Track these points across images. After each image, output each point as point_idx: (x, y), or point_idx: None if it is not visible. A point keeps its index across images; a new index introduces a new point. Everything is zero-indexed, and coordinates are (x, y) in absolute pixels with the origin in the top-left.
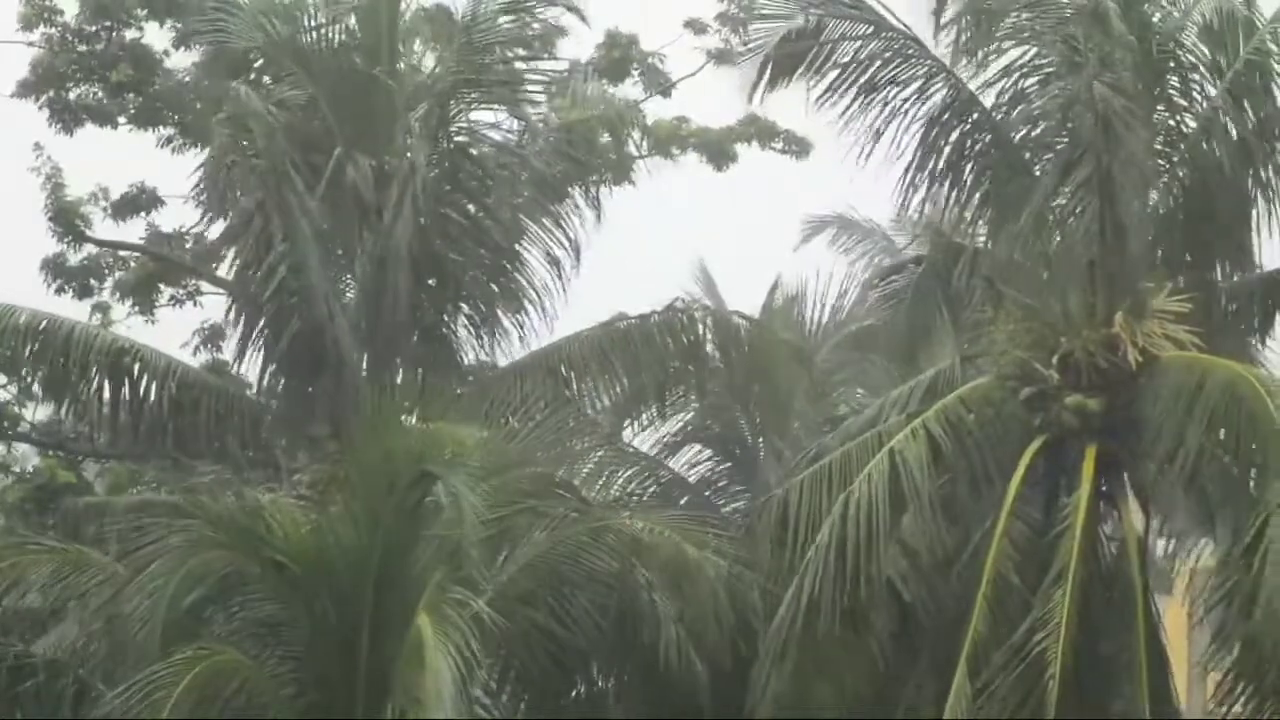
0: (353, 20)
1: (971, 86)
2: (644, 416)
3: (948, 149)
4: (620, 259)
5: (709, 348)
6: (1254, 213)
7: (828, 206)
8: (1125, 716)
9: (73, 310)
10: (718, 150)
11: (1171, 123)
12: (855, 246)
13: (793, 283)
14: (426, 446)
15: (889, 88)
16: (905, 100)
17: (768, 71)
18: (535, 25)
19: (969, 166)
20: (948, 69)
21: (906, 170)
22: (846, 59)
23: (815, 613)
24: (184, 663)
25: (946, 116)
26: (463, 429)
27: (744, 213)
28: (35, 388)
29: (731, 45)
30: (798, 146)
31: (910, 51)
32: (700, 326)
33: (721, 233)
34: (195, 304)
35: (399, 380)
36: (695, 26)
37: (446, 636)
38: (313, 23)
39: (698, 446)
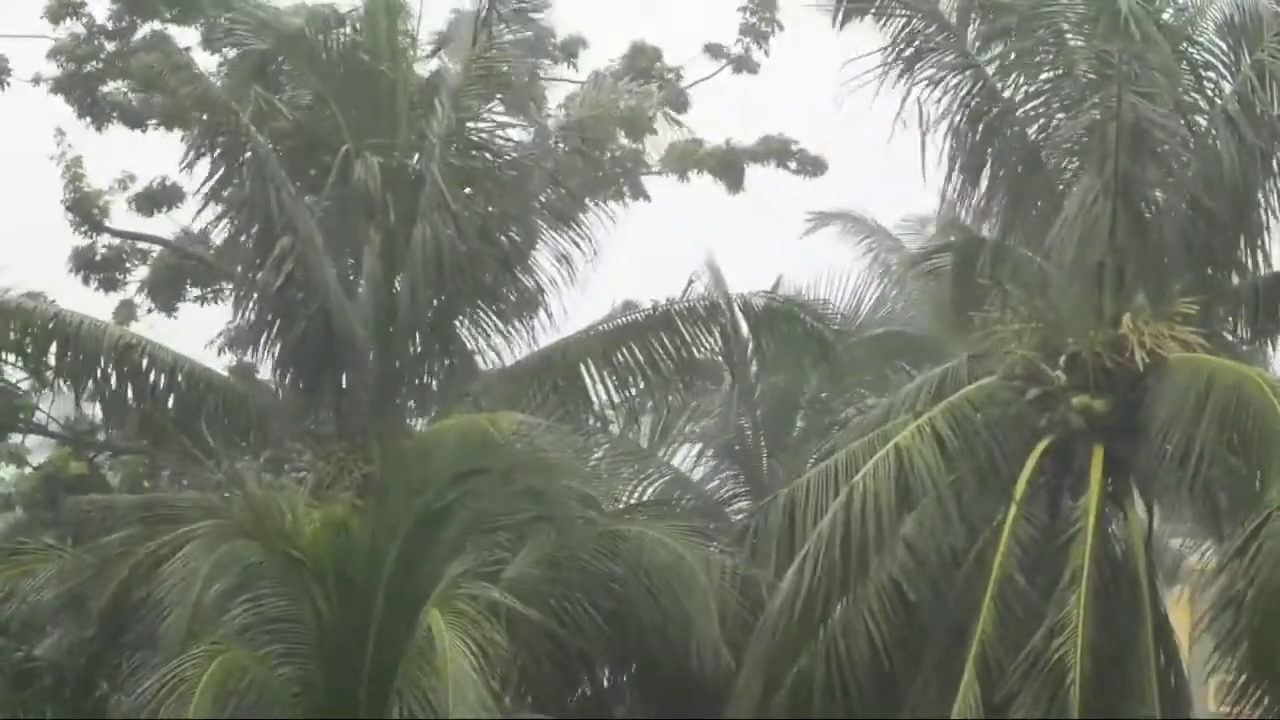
0: (361, 12)
1: (996, 81)
2: (664, 410)
3: (971, 142)
4: (618, 251)
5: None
6: (1266, 214)
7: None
8: (1139, 718)
9: (100, 303)
10: (731, 171)
11: (1183, 122)
12: (861, 243)
13: (793, 286)
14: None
15: (925, 73)
16: (936, 89)
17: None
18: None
19: (991, 161)
20: (977, 62)
21: (950, 163)
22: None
23: (812, 604)
24: (203, 657)
25: (972, 109)
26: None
27: (748, 215)
28: (51, 379)
29: (750, 52)
30: (812, 167)
31: (941, 39)
32: (730, 312)
33: (724, 233)
34: (220, 302)
35: (410, 378)
36: (714, 51)
37: (466, 633)
38: (322, 21)
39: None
